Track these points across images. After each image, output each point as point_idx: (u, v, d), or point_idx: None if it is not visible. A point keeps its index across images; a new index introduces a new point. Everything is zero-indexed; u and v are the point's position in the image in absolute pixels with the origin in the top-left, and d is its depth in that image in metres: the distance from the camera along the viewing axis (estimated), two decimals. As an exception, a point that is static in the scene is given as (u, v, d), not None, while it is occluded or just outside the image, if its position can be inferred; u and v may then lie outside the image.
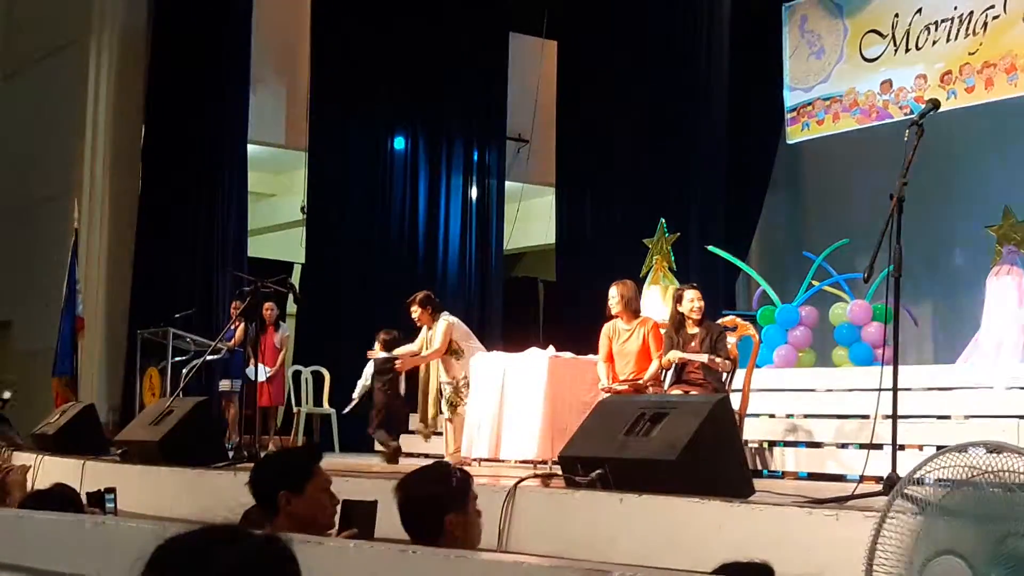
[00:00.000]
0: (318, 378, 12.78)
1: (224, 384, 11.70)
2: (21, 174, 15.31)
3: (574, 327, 11.97)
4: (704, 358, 7.53)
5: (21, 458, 9.40)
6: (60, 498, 4.67)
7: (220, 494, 6.69)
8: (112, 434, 9.83)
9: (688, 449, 4.90)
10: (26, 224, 15.00)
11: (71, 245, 12.71)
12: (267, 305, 11.68)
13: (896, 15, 12.35)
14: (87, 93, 13.66)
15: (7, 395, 10.41)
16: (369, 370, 10.58)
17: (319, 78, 13.98)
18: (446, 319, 9.41)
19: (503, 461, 8.49)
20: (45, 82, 15.07)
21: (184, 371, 10.29)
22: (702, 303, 7.78)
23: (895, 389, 4.75)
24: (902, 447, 5.31)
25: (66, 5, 14.54)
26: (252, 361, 10.14)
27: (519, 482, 5.34)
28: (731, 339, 7.94)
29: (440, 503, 3.48)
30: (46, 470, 8.64)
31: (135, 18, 13.84)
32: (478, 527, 3.64)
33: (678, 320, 7.81)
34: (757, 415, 8.71)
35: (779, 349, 10.37)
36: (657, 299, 10.18)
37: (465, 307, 14.16)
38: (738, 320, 8.26)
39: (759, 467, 8.33)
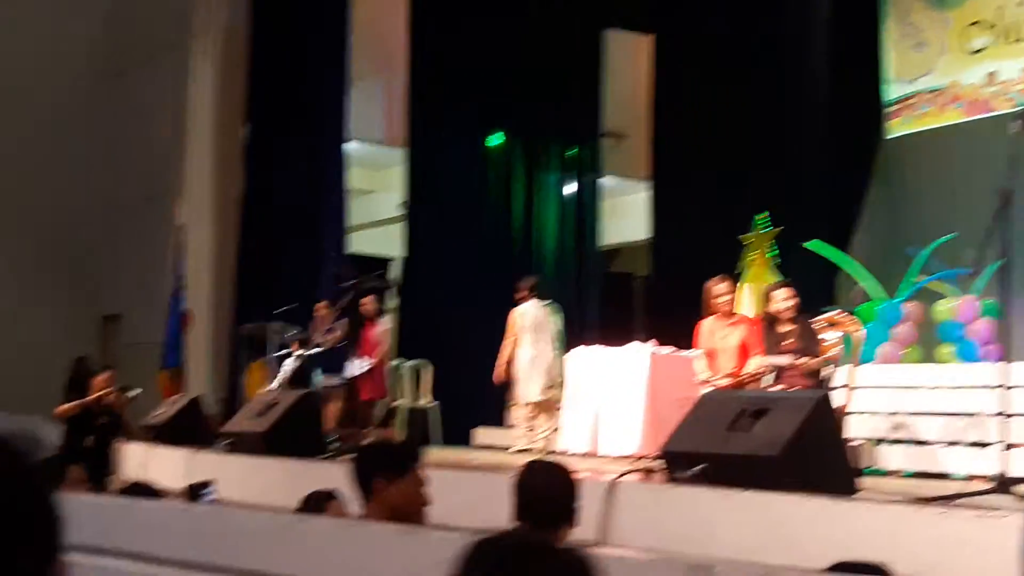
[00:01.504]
0: (418, 372, 12.88)
1: (324, 379, 11.85)
2: (130, 173, 15.73)
3: (670, 323, 11.88)
4: (785, 360, 7.43)
5: (131, 449, 9.68)
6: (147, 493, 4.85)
7: (322, 485, 6.80)
8: (218, 426, 10.03)
9: (791, 445, 4.86)
10: (135, 221, 15.41)
11: (178, 241, 13.03)
12: (366, 299, 11.79)
13: (1000, 6, 12.07)
14: (191, 93, 13.98)
15: (133, 393, 10.76)
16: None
17: (417, 75, 14.11)
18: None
19: (603, 456, 8.50)
20: (151, 83, 15.45)
21: (287, 364, 10.48)
22: (794, 301, 7.67)
23: (1005, 386, 4.67)
24: (1012, 446, 5.21)
25: (170, 8, 14.89)
26: (352, 355, 10.29)
27: (619, 476, 5.35)
28: (832, 336, 7.84)
29: (570, 495, 3.59)
30: (155, 460, 8.87)
31: (236, 19, 14.12)
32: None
33: (770, 319, 7.74)
34: (860, 412, 8.59)
35: (881, 346, 10.20)
36: (755, 295, 10.09)
37: (562, 302, 14.18)
38: (839, 317, 8.15)
39: (862, 465, 8.22)
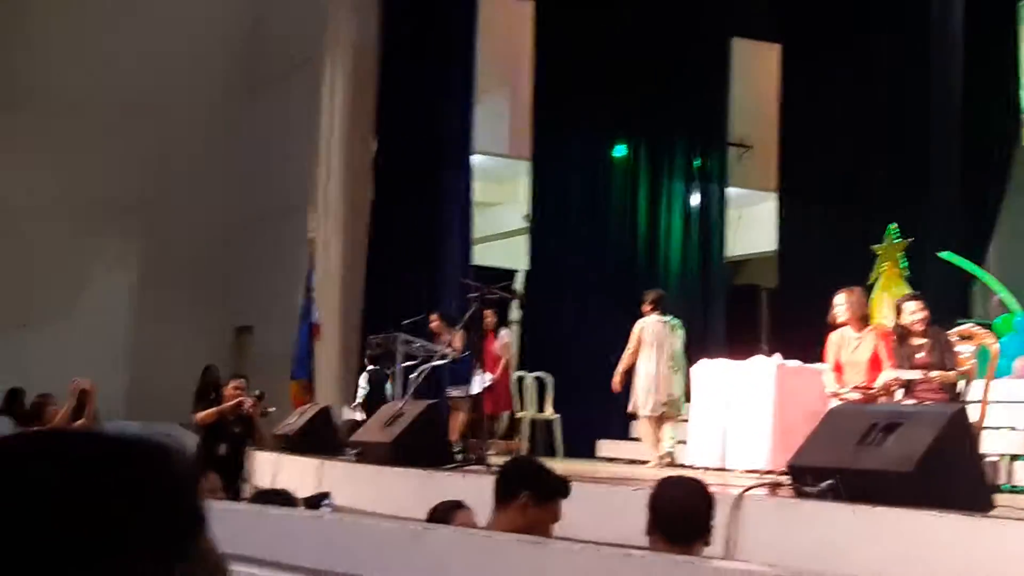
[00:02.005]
0: (541, 384, 12.91)
1: (452, 389, 11.94)
2: (264, 187, 16.14)
3: (798, 336, 11.71)
4: (917, 375, 7.26)
5: (262, 457, 9.90)
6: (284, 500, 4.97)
7: (448, 496, 6.87)
8: (347, 435, 10.20)
9: (924, 461, 4.75)
10: (267, 234, 15.79)
11: (308, 254, 13.30)
12: (486, 312, 11.84)
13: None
14: (322, 108, 14.27)
15: (269, 409, 11.09)
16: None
17: (542, 87, 14.17)
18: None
19: (730, 470, 8.41)
20: (284, 98, 15.83)
21: (413, 376, 10.60)
22: (924, 313, 7.48)
23: None
24: None
25: (303, 25, 15.24)
26: (479, 370, 10.35)
27: (746, 490, 5.29)
28: (967, 349, 7.64)
29: (707, 512, 3.62)
30: (286, 469, 9.07)
31: (366, 36, 14.38)
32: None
33: (900, 332, 7.56)
34: (996, 427, 8.35)
35: (1019, 359, 9.89)
36: (886, 306, 9.88)
37: (687, 315, 14.07)
38: (974, 329, 7.94)
39: (998, 481, 7.98)
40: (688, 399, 9.76)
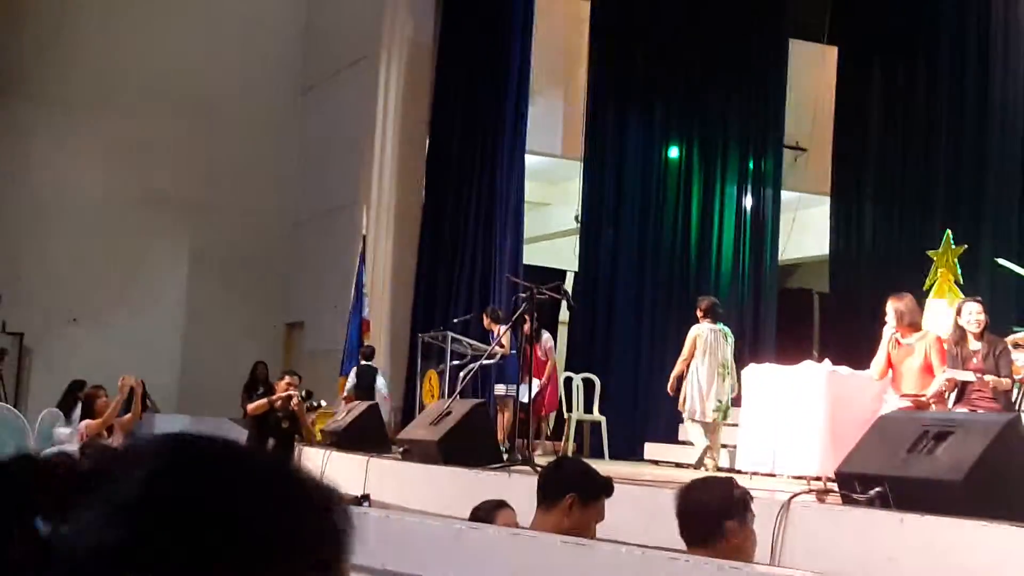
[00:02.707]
0: (589, 385, 12.89)
1: (499, 388, 11.96)
2: (316, 184, 16.25)
3: (851, 341, 11.63)
4: (971, 376, 7.17)
5: (310, 453, 9.96)
6: None
7: (494, 495, 6.87)
8: (394, 433, 10.24)
9: (975, 470, 4.68)
10: (320, 231, 15.90)
11: (359, 251, 13.37)
12: (526, 320, 11.85)
13: None
14: (377, 106, 14.35)
15: (324, 403, 11.22)
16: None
17: (596, 88, 14.15)
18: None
19: (777, 475, 8.35)
20: (338, 96, 15.92)
21: (461, 374, 10.63)
22: (983, 317, 7.40)
23: None
24: None
25: (359, 24, 15.32)
26: (526, 379, 10.30)
27: (793, 497, 5.25)
28: (1022, 357, 7.53)
29: (721, 510, 3.54)
30: (333, 465, 9.11)
31: (422, 34, 14.45)
32: (754, 542, 3.65)
33: (959, 334, 7.48)
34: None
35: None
36: (941, 313, 9.75)
37: (738, 318, 14.00)
38: (1030, 338, 7.82)
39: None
40: (737, 404, 9.84)
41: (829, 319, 15.46)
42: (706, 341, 10.08)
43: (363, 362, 12.44)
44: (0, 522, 0.82)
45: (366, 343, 12.86)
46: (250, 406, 10.80)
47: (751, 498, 3.65)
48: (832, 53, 14.92)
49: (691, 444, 10.31)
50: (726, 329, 10.33)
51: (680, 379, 10.09)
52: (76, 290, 16.14)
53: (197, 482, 0.83)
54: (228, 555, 0.81)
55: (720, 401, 10.02)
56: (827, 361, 8.68)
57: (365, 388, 12.08)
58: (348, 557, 0.89)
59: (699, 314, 10.27)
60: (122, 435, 9.48)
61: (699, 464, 9.69)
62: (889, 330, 7.83)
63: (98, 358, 14.43)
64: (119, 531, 0.80)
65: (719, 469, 9.32)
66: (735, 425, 9.93)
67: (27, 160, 16.61)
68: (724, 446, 10.15)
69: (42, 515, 0.83)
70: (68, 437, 10.09)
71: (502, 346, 10.84)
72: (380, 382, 12.49)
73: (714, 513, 3.56)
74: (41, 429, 11.87)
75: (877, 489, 4.92)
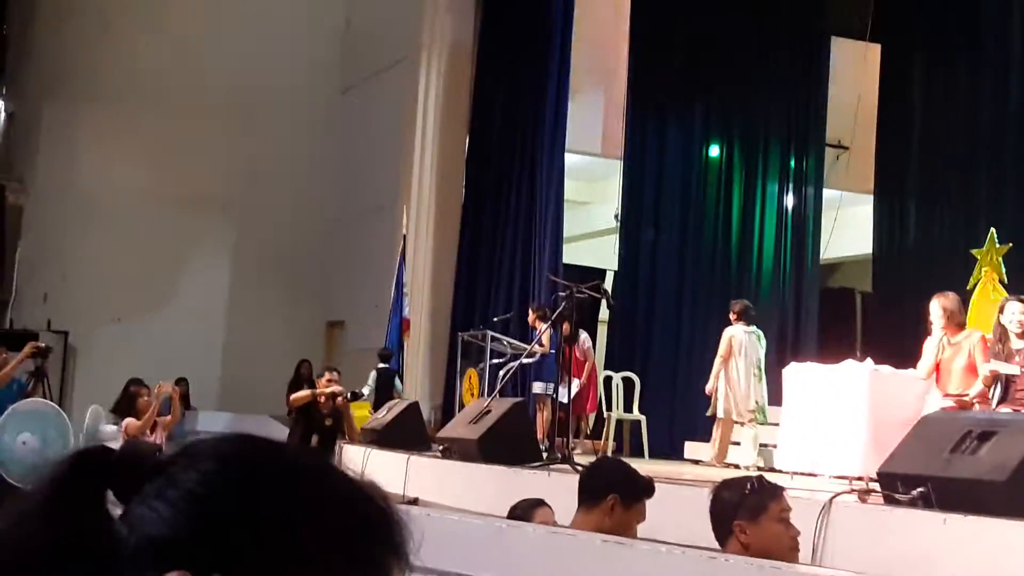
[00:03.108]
0: (629, 384, 12.86)
1: (538, 387, 11.96)
2: (357, 183, 16.34)
3: (894, 340, 11.53)
4: (1016, 369, 7.10)
5: (352, 451, 10.01)
6: None
7: (533, 493, 6.88)
8: (434, 431, 10.27)
9: (1019, 470, 4.63)
10: (360, 230, 15.98)
11: (400, 250, 13.42)
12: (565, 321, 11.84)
13: None
14: (417, 106, 14.40)
15: (366, 391, 11.31)
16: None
17: (636, 87, 14.10)
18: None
19: (818, 475, 8.30)
20: (378, 96, 16.00)
21: (501, 373, 10.64)
22: None
23: None
24: None
25: (399, 24, 15.39)
26: (565, 379, 10.29)
27: (835, 497, 5.22)
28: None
29: (730, 508, 3.53)
30: (373, 463, 9.15)
31: (462, 34, 14.48)
32: (781, 541, 3.61)
33: (1001, 332, 7.40)
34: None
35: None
36: (985, 312, 9.65)
37: (779, 318, 13.94)
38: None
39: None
40: (770, 404, 9.93)
41: (871, 318, 15.33)
42: (740, 343, 10.26)
43: (380, 365, 12.48)
44: (77, 506, 0.85)
45: (406, 342, 12.91)
46: (293, 396, 10.89)
47: (773, 497, 3.60)
48: (875, 51, 14.78)
49: (738, 444, 10.38)
50: (759, 332, 10.50)
51: (716, 379, 10.27)
52: (120, 289, 16.31)
53: (256, 481, 0.85)
54: (280, 553, 0.83)
55: (757, 402, 10.19)
56: (869, 360, 8.61)
57: (384, 391, 12.14)
58: (407, 564, 0.90)
59: (732, 317, 10.44)
60: (163, 434, 9.58)
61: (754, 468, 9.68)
62: (938, 332, 7.78)
63: (141, 356, 14.57)
64: (179, 521, 0.83)
65: (759, 468, 9.29)
66: (775, 424, 9.96)
67: (73, 160, 16.82)
68: (764, 445, 10.19)
69: (118, 500, 0.86)
70: (113, 435, 10.20)
71: (542, 345, 10.85)
72: (398, 385, 12.57)
73: (726, 511, 3.56)
74: (88, 426, 12.01)
75: (920, 489, 4.88)
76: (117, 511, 0.86)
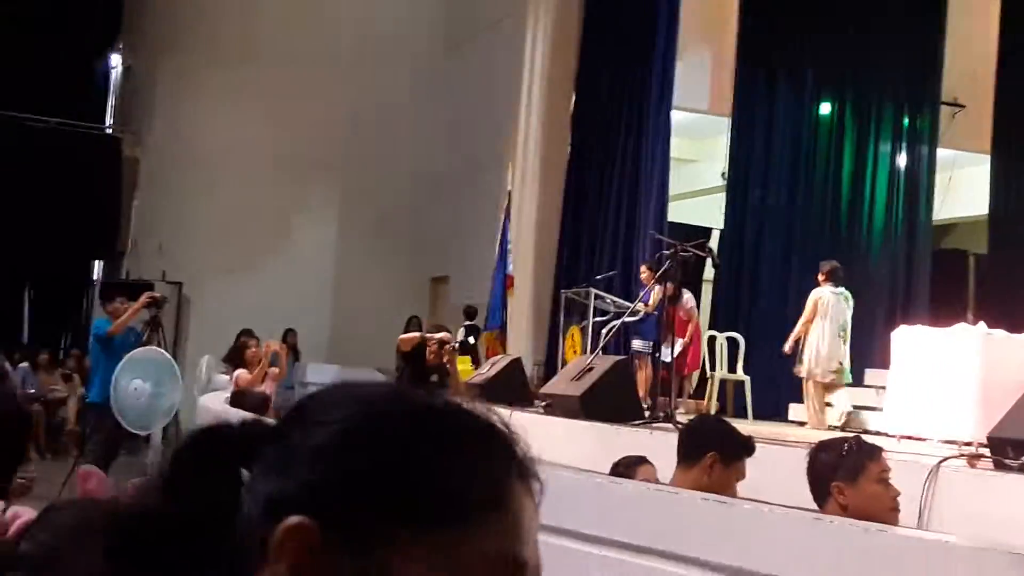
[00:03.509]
0: (733, 344, 12.75)
1: (637, 344, 11.91)
2: (462, 140, 16.41)
3: (1007, 304, 11.26)
4: None
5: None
6: None
7: (635, 450, 6.89)
8: (537, 387, 10.32)
9: None
10: (466, 187, 16.06)
11: (505, 207, 13.46)
12: (668, 286, 11.76)
13: None
14: (523, 64, 14.37)
15: (472, 340, 11.38)
16: None
17: (745, 44, 13.87)
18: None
19: (926, 439, 8.17)
20: (484, 55, 16.00)
21: (603, 331, 10.64)
22: None
23: None
24: None
25: (506, -19, 15.35)
26: (668, 338, 10.26)
27: (942, 461, 5.14)
28: None
29: (828, 470, 3.51)
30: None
31: (570, -10, 14.39)
32: (880, 501, 3.58)
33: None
34: None
35: None
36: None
37: (890, 280, 13.69)
38: None
39: None
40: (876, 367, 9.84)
41: (985, 281, 14.95)
42: (827, 304, 10.24)
43: (466, 322, 12.57)
44: (209, 474, 0.86)
45: (510, 298, 12.97)
46: (402, 337, 10.95)
47: (871, 457, 3.56)
48: (995, 3, 14.31)
49: (831, 406, 10.31)
50: (847, 293, 10.44)
51: (798, 341, 10.34)
52: (232, 242, 16.67)
53: (388, 431, 0.85)
54: (415, 507, 0.82)
55: (840, 363, 10.19)
56: (982, 324, 8.43)
57: (469, 348, 12.23)
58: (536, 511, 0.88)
59: (821, 278, 10.43)
60: (273, 385, 9.81)
61: (842, 423, 9.68)
62: None
63: (253, 308, 14.90)
64: (309, 475, 0.83)
65: (863, 431, 9.18)
66: (868, 387, 9.97)
67: (187, 114, 17.17)
68: (858, 408, 10.23)
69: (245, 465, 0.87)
70: (225, 384, 10.48)
71: (647, 304, 10.81)
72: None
73: (824, 473, 3.54)
74: (201, 376, 12.35)
75: (1031, 455, 4.79)
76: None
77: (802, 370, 10.34)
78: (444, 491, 0.84)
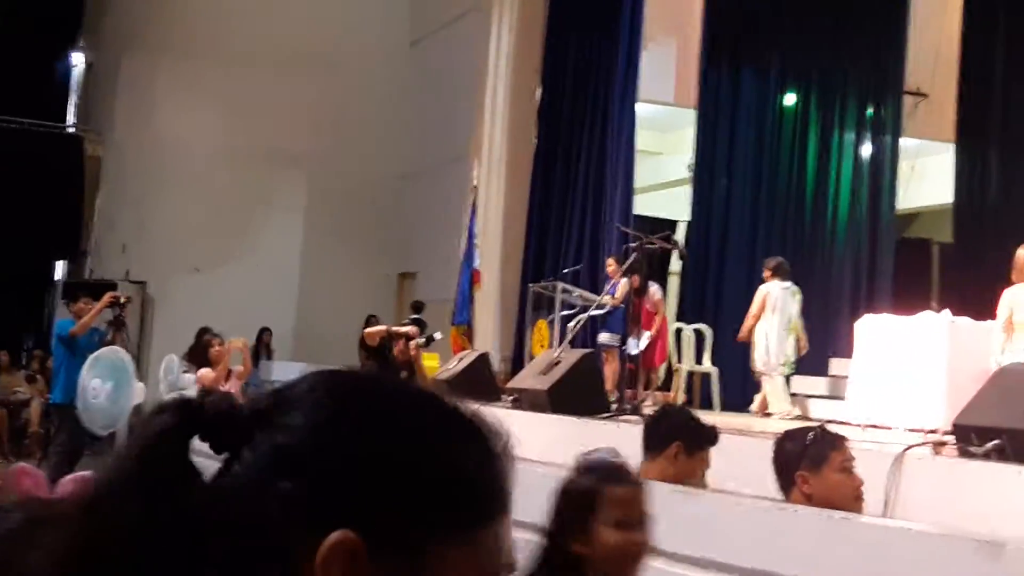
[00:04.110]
0: (700, 336, 12.78)
1: (603, 337, 11.89)
2: (428, 135, 16.34)
3: (971, 292, 11.32)
4: None
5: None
6: None
7: (603, 444, 6.88)
8: (504, 382, 10.29)
9: (1099, 424, 4.54)
10: (432, 182, 16.01)
11: (471, 202, 13.43)
12: (633, 278, 11.78)
13: None
14: (488, 58, 14.33)
15: (439, 335, 11.25)
16: None
17: (710, 35, 13.89)
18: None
19: (891, 428, 8.20)
20: (448, 48, 15.95)
21: (570, 324, 10.62)
22: None
23: None
24: None
25: (469, -27, 15.30)
26: (635, 331, 10.25)
27: (907, 449, 5.15)
28: None
29: (791, 460, 3.52)
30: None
31: (533, -18, 14.36)
32: (843, 490, 3.58)
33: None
34: None
35: None
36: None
37: (854, 268, 13.75)
38: None
39: None
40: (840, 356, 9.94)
41: (949, 269, 15.05)
42: (775, 299, 10.44)
43: (412, 315, 12.54)
44: (163, 465, 0.80)
45: (476, 293, 12.94)
46: (368, 330, 10.89)
47: (834, 447, 3.56)
48: (957, -5, 14.40)
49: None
50: (794, 287, 10.61)
51: (750, 333, 10.58)
52: (197, 240, 16.54)
53: (366, 426, 0.81)
54: (405, 503, 0.79)
55: (788, 356, 10.42)
56: (947, 312, 8.47)
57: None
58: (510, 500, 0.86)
59: (767, 274, 10.64)
60: (238, 384, 9.73)
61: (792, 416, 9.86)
62: (1008, 295, 7.63)
63: (217, 307, 14.79)
64: (290, 480, 0.78)
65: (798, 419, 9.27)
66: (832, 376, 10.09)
67: (150, 112, 17.02)
68: (830, 397, 10.39)
69: (215, 453, 0.82)
70: (190, 383, 10.39)
71: (614, 296, 10.81)
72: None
73: (788, 462, 3.54)
74: (166, 376, 12.24)
75: (995, 442, 4.81)
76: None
77: (757, 364, 10.56)
78: (476, 492, 0.82)
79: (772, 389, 10.50)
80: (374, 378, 0.87)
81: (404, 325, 10.68)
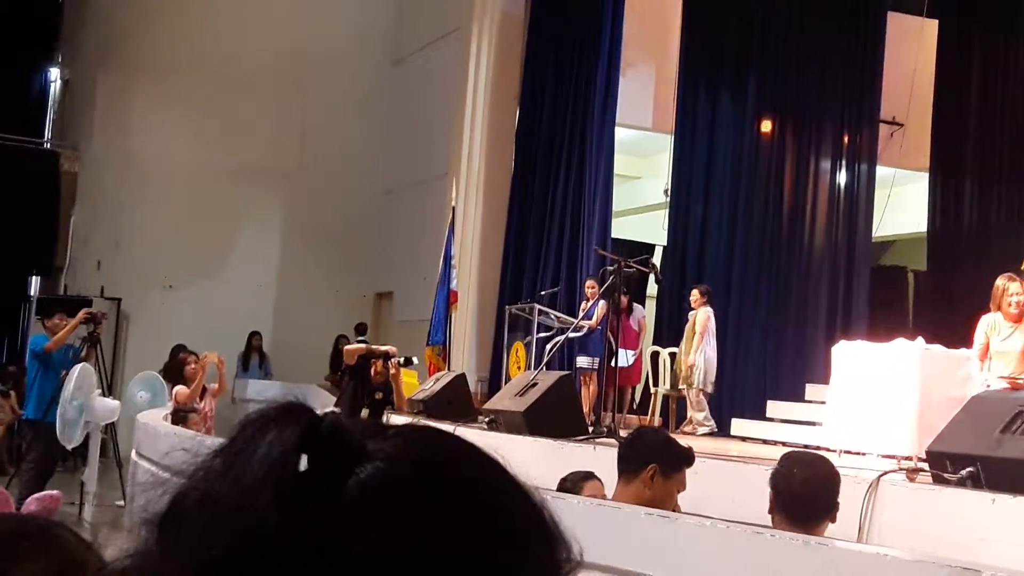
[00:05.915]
0: (676, 360, 12.79)
1: (582, 360, 11.94)
2: (406, 155, 16.36)
3: (946, 319, 11.42)
4: None
5: (398, 421, 10.04)
6: None
7: (579, 466, 6.89)
8: (480, 403, 10.29)
9: (1071, 452, 4.58)
10: (410, 202, 16.02)
11: (448, 223, 13.44)
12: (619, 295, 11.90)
13: None
14: (468, 79, 14.37)
15: (416, 360, 11.21)
16: None
17: (688, 61, 14.00)
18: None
19: (866, 454, 8.24)
20: (429, 69, 15.99)
21: (548, 346, 10.64)
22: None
23: None
24: None
25: (450, -3, 15.35)
26: (614, 345, 10.34)
27: (882, 475, 5.18)
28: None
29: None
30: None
31: (514, 6, 14.43)
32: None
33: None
34: None
35: None
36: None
37: (830, 295, 13.82)
38: None
39: None
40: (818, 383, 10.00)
41: (924, 297, 15.17)
42: (703, 323, 11.24)
43: (359, 339, 12.59)
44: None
45: (453, 314, 12.94)
46: (347, 348, 10.79)
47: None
48: (932, 26, 14.55)
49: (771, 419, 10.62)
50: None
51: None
52: (172, 257, 16.47)
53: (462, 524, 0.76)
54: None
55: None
56: (920, 339, 8.52)
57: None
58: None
59: (703, 300, 11.35)
60: (212, 402, 9.70)
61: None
62: (985, 321, 7.71)
63: (193, 324, 14.74)
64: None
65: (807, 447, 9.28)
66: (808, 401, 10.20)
67: (127, 128, 16.97)
68: (806, 423, 10.58)
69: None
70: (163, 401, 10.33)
71: (590, 318, 10.85)
72: None
73: (821, 492, 3.59)
74: (135, 392, 12.17)
75: (969, 469, 4.84)
76: None
77: (694, 382, 11.23)
78: None
79: (699, 405, 11.24)
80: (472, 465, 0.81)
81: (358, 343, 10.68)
